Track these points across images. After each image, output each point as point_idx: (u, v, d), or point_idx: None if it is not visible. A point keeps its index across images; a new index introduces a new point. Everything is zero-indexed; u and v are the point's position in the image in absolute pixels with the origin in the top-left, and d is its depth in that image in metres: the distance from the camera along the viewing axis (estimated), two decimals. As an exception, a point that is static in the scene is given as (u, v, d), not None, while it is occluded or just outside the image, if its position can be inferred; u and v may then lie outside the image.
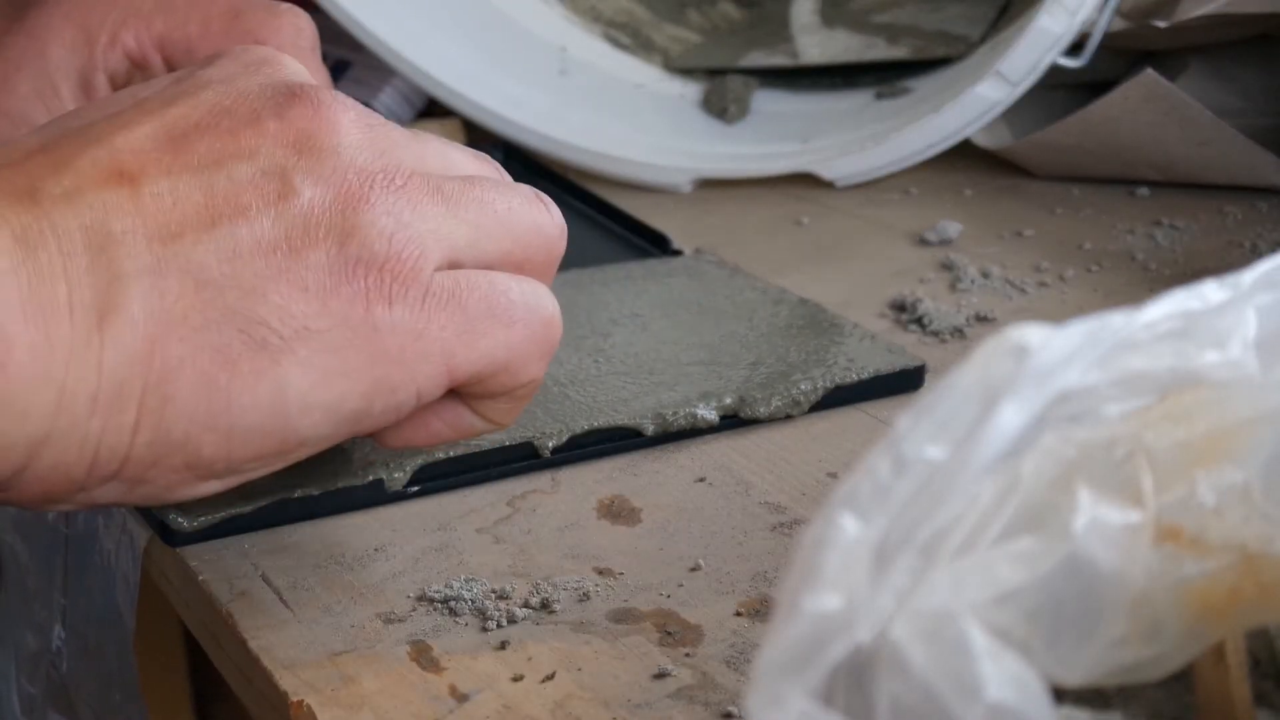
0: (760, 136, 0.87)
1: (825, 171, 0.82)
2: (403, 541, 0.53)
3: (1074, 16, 0.76)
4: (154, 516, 0.53)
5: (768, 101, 0.90)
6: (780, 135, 0.86)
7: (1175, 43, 0.81)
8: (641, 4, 0.96)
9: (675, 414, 0.58)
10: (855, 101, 0.89)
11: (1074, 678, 0.33)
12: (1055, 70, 0.78)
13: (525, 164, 0.84)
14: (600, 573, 0.51)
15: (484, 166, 0.48)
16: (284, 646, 0.47)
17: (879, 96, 0.88)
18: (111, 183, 0.41)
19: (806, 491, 0.55)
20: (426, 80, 0.87)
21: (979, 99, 0.78)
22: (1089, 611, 0.32)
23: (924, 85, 0.87)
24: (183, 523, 0.52)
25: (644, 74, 0.92)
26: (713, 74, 0.91)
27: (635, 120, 0.88)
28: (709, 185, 0.84)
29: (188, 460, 0.42)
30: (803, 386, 0.60)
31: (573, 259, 0.71)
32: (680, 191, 0.83)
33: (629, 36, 0.94)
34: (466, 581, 0.50)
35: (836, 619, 0.31)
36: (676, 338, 0.63)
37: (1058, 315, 0.49)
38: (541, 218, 0.47)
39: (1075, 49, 0.78)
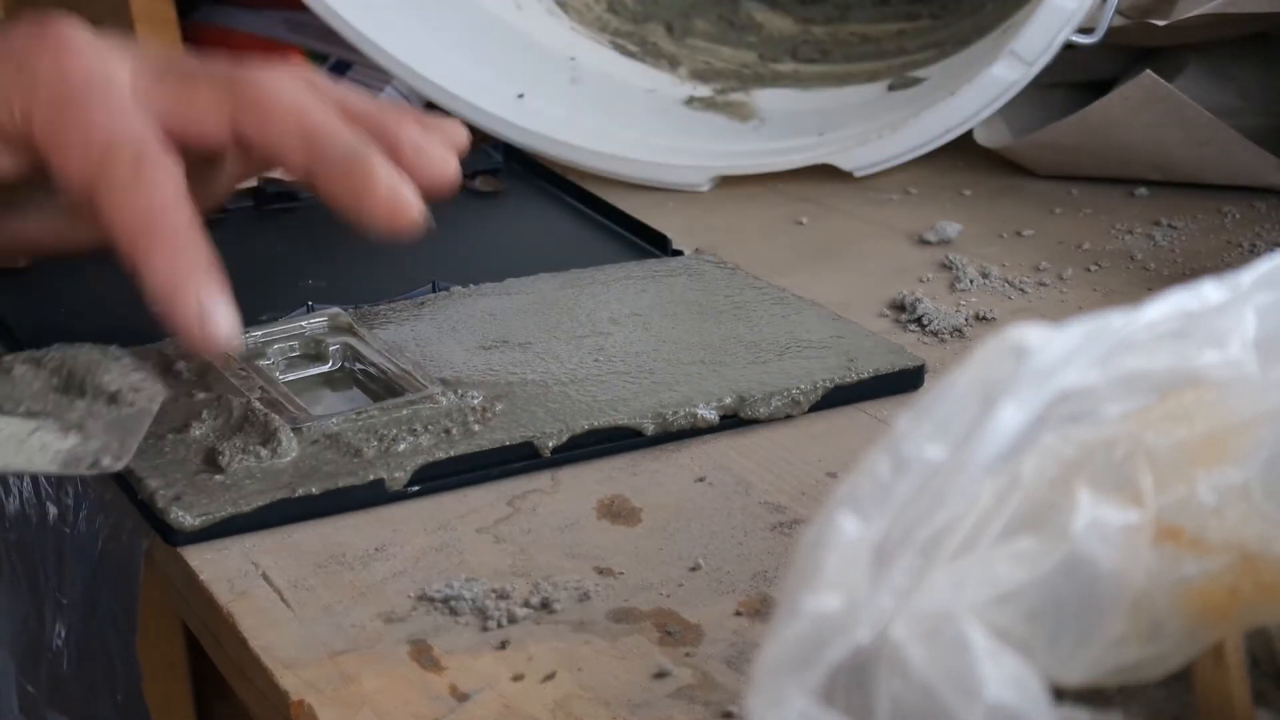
0: (775, 134, 0.87)
1: (844, 162, 0.82)
2: (403, 541, 0.53)
3: (1085, -9, 0.76)
4: (155, 516, 0.53)
5: (778, 100, 0.90)
6: (795, 131, 0.86)
7: (1173, 41, 0.81)
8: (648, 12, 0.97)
9: (675, 414, 0.58)
10: (867, 94, 0.89)
11: (1074, 678, 0.33)
12: (1055, 68, 0.78)
13: (525, 164, 0.84)
14: (600, 572, 0.51)
15: None
16: (284, 646, 0.47)
17: (891, 88, 0.88)
18: None
19: (806, 491, 0.55)
20: (435, 90, 0.87)
21: (995, 80, 0.78)
22: (1089, 611, 0.32)
23: (936, 74, 0.87)
24: (184, 522, 0.52)
25: (654, 79, 0.92)
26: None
27: (649, 124, 0.88)
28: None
29: None
30: (803, 386, 0.60)
31: (573, 259, 0.71)
32: (699, 190, 0.83)
33: (636, 44, 0.94)
34: (467, 581, 0.50)
35: (836, 619, 0.31)
36: (676, 338, 0.63)
37: (1057, 315, 0.49)
38: None
39: (1084, 33, 0.78)
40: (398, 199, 0.55)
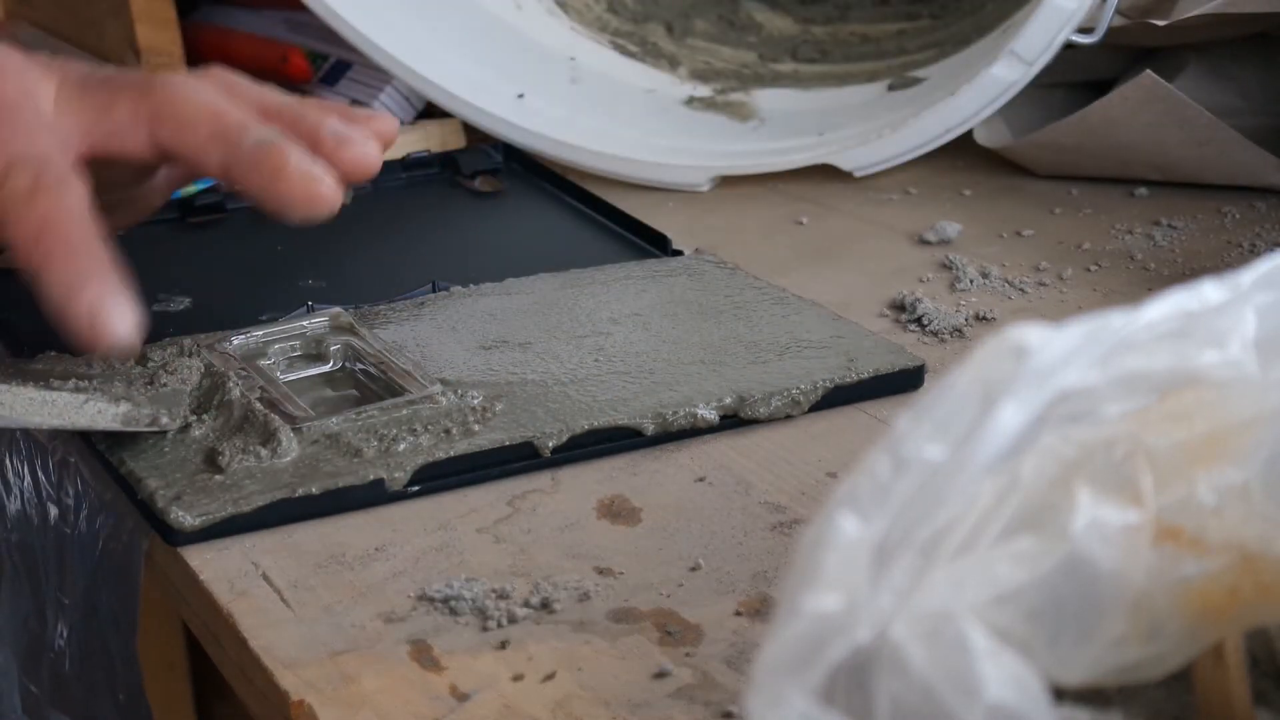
0: (774, 134, 0.87)
1: (843, 162, 0.82)
2: (403, 541, 0.53)
3: (1085, -9, 0.75)
4: (155, 516, 0.53)
5: (778, 100, 0.90)
6: (795, 131, 0.86)
7: (1173, 41, 0.81)
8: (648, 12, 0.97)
9: (675, 414, 0.58)
10: (867, 94, 0.89)
11: (1074, 677, 0.33)
12: (1055, 68, 0.78)
13: (525, 164, 0.84)
14: (600, 572, 0.51)
15: None
16: (285, 646, 0.47)
17: (891, 88, 0.88)
18: None
19: (806, 491, 0.55)
20: (435, 90, 0.87)
21: (995, 80, 0.78)
22: (1089, 611, 0.33)
23: (935, 74, 0.87)
24: (184, 522, 0.52)
25: (654, 79, 0.92)
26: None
27: (649, 124, 0.88)
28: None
29: None
30: (803, 386, 0.60)
31: (573, 259, 0.71)
32: (699, 190, 0.83)
33: (636, 44, 0.94)
34: (467, 581, 0.50)
35: (836, 619, 0.31)
36: (676, 338, 0.63)
37: (1057, 315, 0.49)
38: None
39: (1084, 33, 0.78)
40: (310, 181, 0.57)
